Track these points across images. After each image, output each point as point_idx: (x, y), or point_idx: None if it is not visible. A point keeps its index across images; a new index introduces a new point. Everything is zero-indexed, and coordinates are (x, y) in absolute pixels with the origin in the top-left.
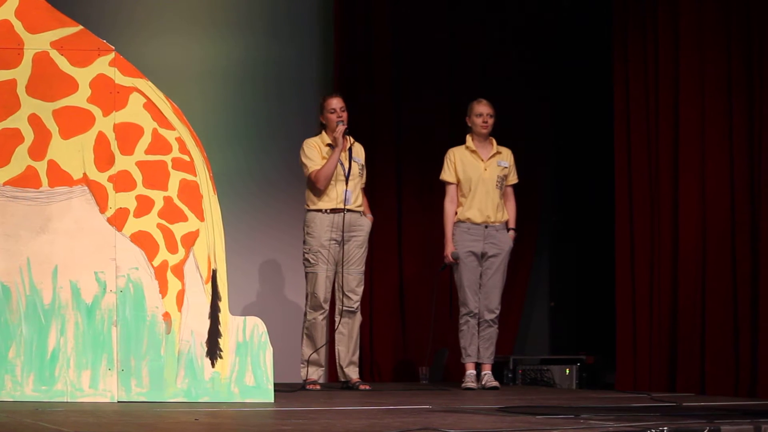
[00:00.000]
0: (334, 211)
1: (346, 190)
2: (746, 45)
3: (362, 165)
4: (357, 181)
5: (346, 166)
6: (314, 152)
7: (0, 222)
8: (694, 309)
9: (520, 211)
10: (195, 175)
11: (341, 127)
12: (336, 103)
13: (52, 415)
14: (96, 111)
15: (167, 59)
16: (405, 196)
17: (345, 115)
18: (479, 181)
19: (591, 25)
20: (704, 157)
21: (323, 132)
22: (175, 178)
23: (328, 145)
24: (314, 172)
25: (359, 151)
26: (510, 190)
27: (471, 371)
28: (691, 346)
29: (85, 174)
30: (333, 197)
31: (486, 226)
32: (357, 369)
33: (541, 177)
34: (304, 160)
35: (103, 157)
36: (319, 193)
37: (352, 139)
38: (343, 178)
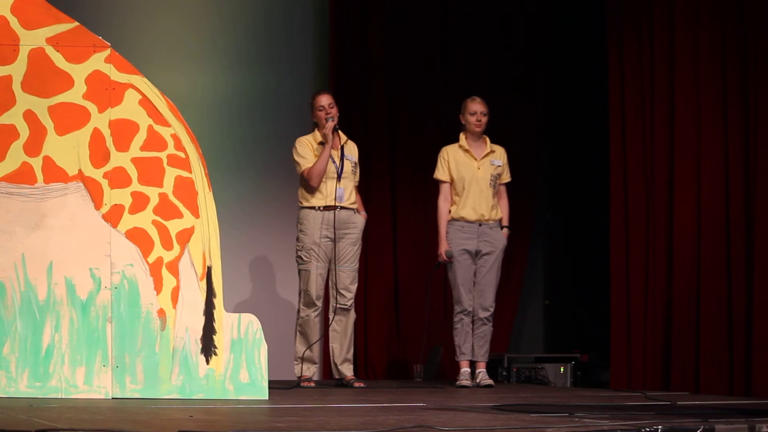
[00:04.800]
0: (326, 208)
1: (339, 188)
2: (741, 43)
3: (355, 163)
4: (350, 178)
5: (338, 163)
6: (307, 150)
7: None
8: (689, 308)
9: (514, 208)
10: (190, 172)
11: (330, 123)
12: (325, 100)
13: (47, 412)
14: (91, 107)
15: (162, 57)
16: (399, 195)
17: (334, 111)
18: (473, 180)
19: (585, 21)
20: (699, 156)
21: (315, 130)
22: (171, 174)
23: (321, 143)
24: (307, 169)
25: (352, 149)
26: (503, 189)
27: (465, 369)
28: (686, 345)
29: (80, 170)
30: (326, 194)
31: (480, 224)
32: (351, 366)
33: (535, 175)
34: (296, 158)
35: (99, 154)
36: (312, 190)
37: (345, 137)
38: (335, 175)
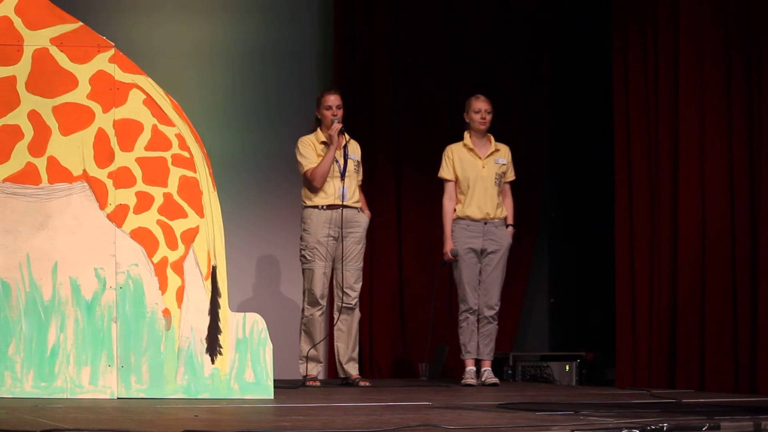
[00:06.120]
0: (330, 207)
1: (342, 187)
2: (745, 44)
3: (358, 162)
4: (353, 177)
5: (341, 163)
6: (309, 150)
7: (0, 218)
8: (694, 305)
9: (519, 207)
10: (195, 172)
11: (336, 125)
12: (333, 100)
13: (52, 412)
14: (96, 107)
15: (166, 50)
16: (404, 193)
17: (340, 113)
18: (477, 179)
19: (590, 20)
20: (703, 154)
21: (318, 129)
22: (175, 174)
23: (323, 142)
24: (310, 170)
25: (355, 148)
26: (507, 187)
27: (470, 368)
28: (691, 343)
29: (84, 170)
30: (330, 194)
31: (485, 223)
32: (356, 365)
33: (540, 173)
34: (299, 158)
35: (103, 154)
36: (316, 189)
37: (347, 137)
38: (338, 174)
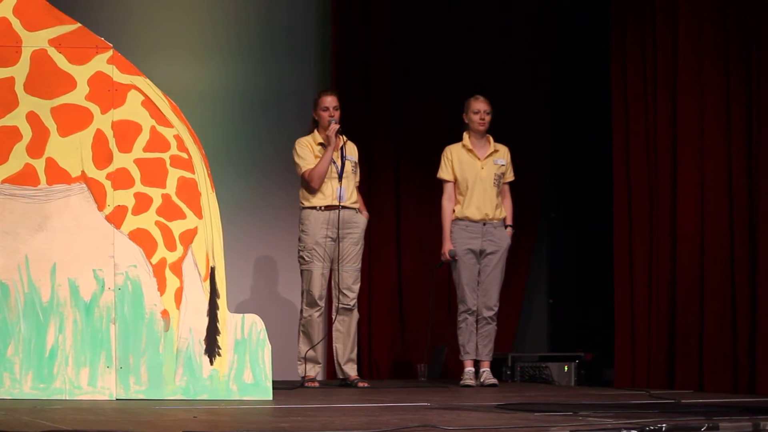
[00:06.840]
0: (328, 208)
1: (340, 188)
2: (744, 44)
3: (355, 163)
4: (350, 178)
5: (339, 164)
6: (306, 151)
7: None
8: (693, 306)
9: (519, 207)
10: (193, 173)
11: (334, 126)
12: (330, 101)
13: (51, 413)
14: (94, 108)
15: (163, 51)
16: (403, 194)
17: (337, 114)
18: (476, 180)
19: (590, 20)
20: (702, 155)
21: (315, 130)
22: (174, 175)
23: (320, 144)
24: (307, 171)
25: (352, 149)
26: (506, 188)
27: (469, 368)
28: (690, 343)
29: (83, 171)
30: (327, 194)
31: (484, 224)
32: (355, 366)
33: (540, 173)
34: (296, 159)
35: (102, 155)
36: (313, 191)
37: (344, 138)
38: (336, 175)
